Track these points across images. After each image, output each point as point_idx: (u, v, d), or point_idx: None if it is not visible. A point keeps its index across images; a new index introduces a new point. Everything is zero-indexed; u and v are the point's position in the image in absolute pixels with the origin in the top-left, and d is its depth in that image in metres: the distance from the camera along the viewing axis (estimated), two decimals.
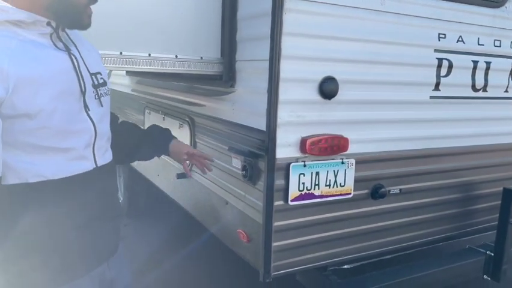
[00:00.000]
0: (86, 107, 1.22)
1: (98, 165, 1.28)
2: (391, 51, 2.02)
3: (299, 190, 1.89)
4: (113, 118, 1.50)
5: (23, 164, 1.12)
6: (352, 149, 1.99)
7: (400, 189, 2.22)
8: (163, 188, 3.19)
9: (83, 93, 1.21)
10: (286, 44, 1.75)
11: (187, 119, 2.68)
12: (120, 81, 3.88)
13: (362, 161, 2.05)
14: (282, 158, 1.84)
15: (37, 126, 1.10)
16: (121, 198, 4.20)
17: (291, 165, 1.85)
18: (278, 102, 1.79)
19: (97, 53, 1.38)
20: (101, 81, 1.30)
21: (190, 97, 2.63)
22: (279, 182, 1.85)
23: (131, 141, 1.60)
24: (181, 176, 2.68)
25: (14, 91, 1.05)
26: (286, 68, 1.77)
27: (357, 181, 2.05)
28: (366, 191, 2.12)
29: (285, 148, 1.84)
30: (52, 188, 1.16)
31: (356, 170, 2.03)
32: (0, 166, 1.08)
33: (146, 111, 3.38)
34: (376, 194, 2.12)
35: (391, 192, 2.19)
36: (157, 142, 1.70)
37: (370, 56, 1.97)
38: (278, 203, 1.87)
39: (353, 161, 2.01)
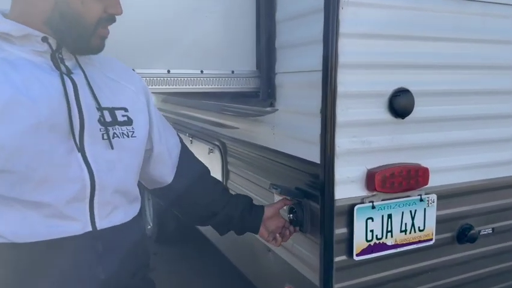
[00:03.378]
0: (80, 148, 0.98)
1: (99, 229, 1.02)
2: (480, 52, 1.55)
3: (367, 240, 1.44)
4: (204, 171, 1.36)
5: None
6: (433, 181, 1.52)
7: (493, 229, 1.73)
8: (201, 229, 2.80)
9: (80, 129, 0.98)
10: (345, 48, 1.32)
11: (217, 144, 2.29)
12: None
13: (446, 196, 1.58)
14: (343, 199, 1.40)
15: None
16: (150, 225, 3.90)
17: (356, 207, 1.40)
18: (336, 125, 1.35)
19: (134, 87, 1.14)
20: (122, 118, 1.07)
21: (220, 118, 2.24)
22: (340, 230, 1.41)
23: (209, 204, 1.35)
24: None
25: None
26: (345, 80, 1.34)
27: (440, 222, 1.58)
28: (451, 234, 1.64)
29: (347, 185, 1.40)
30: (20, 254, 0.93)
31: (438, 208, 1.56)
32: None
33: None
34: (464, 237, 1.64)
35: (481, 233, 1.70)
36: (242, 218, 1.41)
37: (453, 59, 1.51)
38: (340, 258, 1.42)
39: (434, 196, 1.54)
